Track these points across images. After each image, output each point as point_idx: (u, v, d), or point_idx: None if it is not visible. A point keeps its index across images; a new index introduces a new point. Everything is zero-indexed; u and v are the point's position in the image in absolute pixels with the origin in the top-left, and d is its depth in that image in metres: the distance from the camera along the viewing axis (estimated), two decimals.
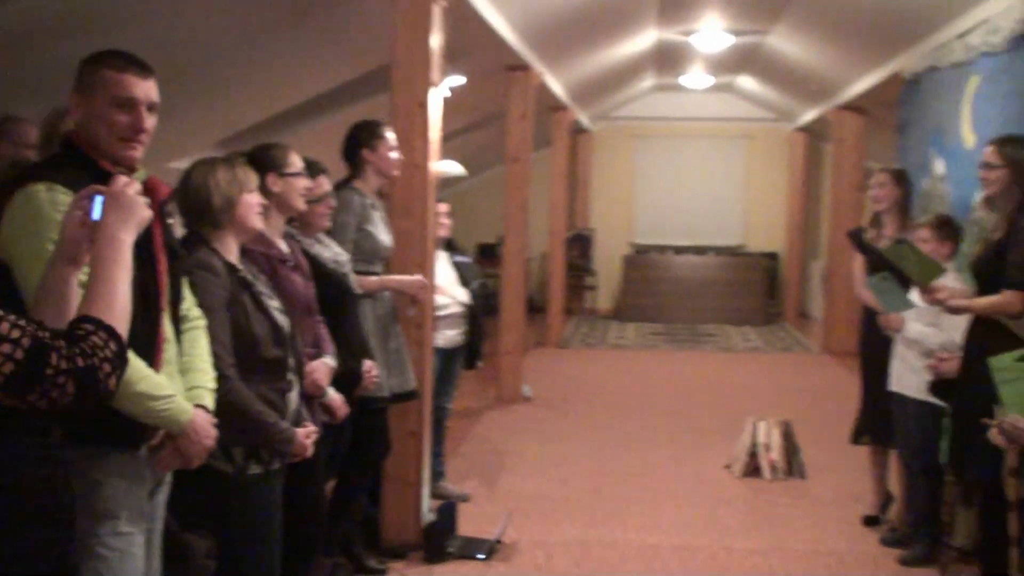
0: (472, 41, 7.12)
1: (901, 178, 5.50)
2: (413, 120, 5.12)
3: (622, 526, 5.56)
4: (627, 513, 5.78)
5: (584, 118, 14.37)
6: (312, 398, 3.59)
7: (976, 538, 4.86)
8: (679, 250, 15.72)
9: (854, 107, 11.68)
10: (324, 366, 3.71)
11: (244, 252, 3.39)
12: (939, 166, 7.34)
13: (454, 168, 10.17)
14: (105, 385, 1.89)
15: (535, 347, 11.75)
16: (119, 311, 1.98)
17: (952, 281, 4.59)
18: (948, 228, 4.97)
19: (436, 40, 5.16)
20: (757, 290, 14.98)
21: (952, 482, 4.75)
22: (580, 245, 15.59)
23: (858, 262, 5.61)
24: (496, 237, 13.31)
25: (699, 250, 15.69)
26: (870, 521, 5.62)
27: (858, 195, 12.05)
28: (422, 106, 5.12)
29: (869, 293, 5.26)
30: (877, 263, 5.34)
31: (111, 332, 1.93)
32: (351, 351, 4.07)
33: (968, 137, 6.83)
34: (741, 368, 11.08)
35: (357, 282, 4.32)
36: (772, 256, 15.78)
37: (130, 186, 2.15)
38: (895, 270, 5.01)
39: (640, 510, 5.84)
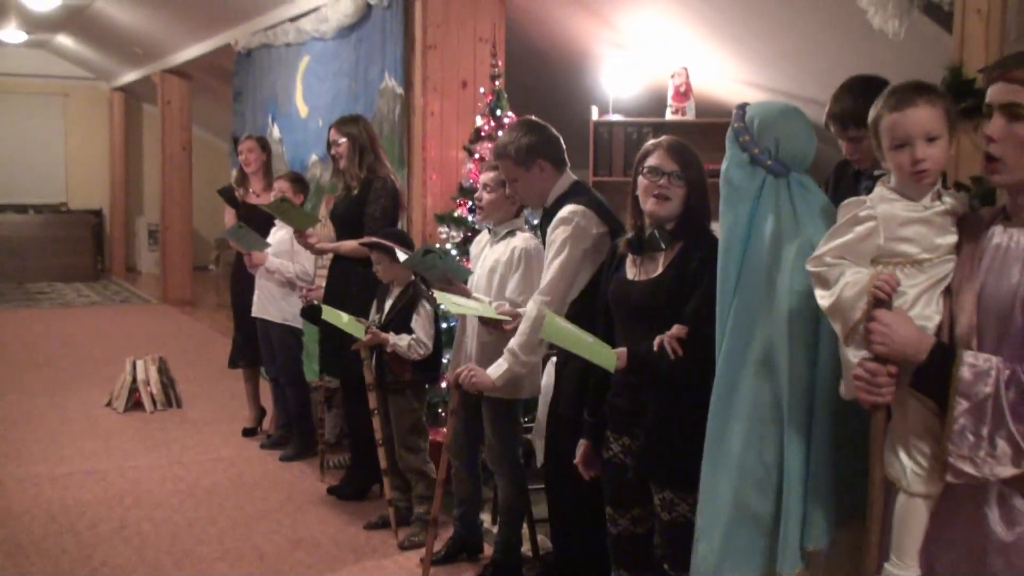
0: None
1: (265, 144, 6.52)
2: None
3: (29, 462, 5.95)
4: (29, 452, 6.16)
5: None
6: None
7: (341, 430, 6.15)
8: None
9: (180, 72, 12.50)
10: None
11: None
12: (276, 131, 8.51)
13: None
14: None
15: None
16: None
17: (319, 228, 5.72)
18: (302, 183, 6.10)
19: None
20: (84, 247, 15.23)
21: (321, 388, 5.92)
22: None
23: (229, 214, 6.54)
24: None
25: (20, 208, 15.47)
26: (248, 432, 6.64)
27: (185, 154, 12.95)
28: None
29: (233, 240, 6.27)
30: (248, 215, 6.32)
31: None
32: None
33: (302, 108, 8.08)
34: (87, 321, 11.44)
35: None
36: (97, 213, 16.03)
37: None
38: (252, 220, 6.10)
39: (42, 448, 6.25)
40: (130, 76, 14.41)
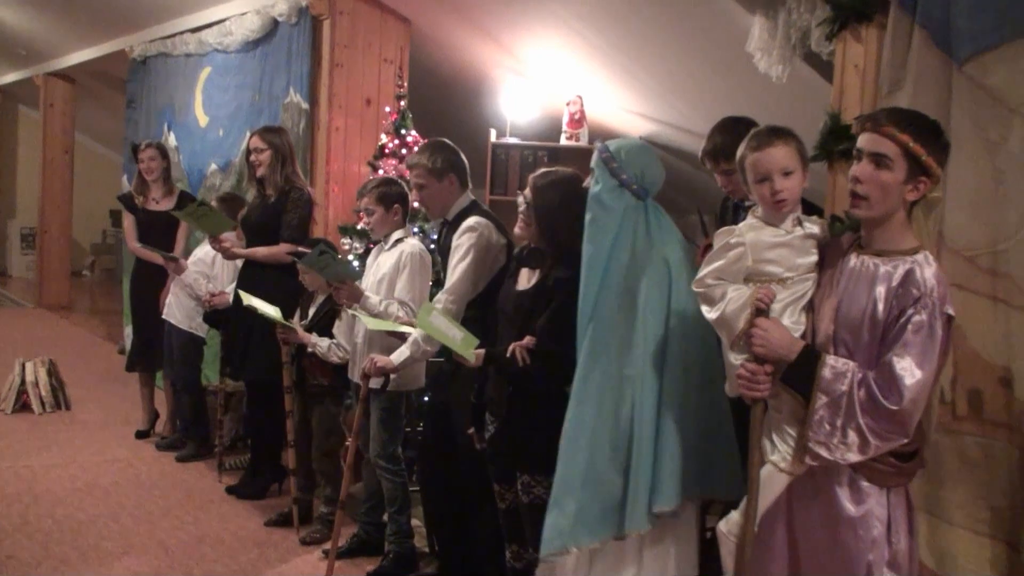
0: None
1: (165, 152, 6.62)
2: None
3: None
4: None
5: None
6: None
7: (237, 432, 6.31)
8: None
9: (65, 75, 12.37)
10: None
11: None
12: (172, 139, 8.58)
13: None
14: None
15: None
16: None
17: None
18: (236, 201, 6.16)
19: None
20: None
21: (219, 391, 6.07)
22: None
23: (129, 221, 6.62)
24: None
25: None
26: (141, 435, 6.71)
27: (67, 158, 12.80)
28: None
29: (141, 248, 6.40)
30: (148, 221, 6.45)
31: None
32: None
33: (201, 118, 8.18)
34: None
35: None
36: None
37: None
38: (152, 226, 6.25)
39: None
40: (9, 77, 14.13)
